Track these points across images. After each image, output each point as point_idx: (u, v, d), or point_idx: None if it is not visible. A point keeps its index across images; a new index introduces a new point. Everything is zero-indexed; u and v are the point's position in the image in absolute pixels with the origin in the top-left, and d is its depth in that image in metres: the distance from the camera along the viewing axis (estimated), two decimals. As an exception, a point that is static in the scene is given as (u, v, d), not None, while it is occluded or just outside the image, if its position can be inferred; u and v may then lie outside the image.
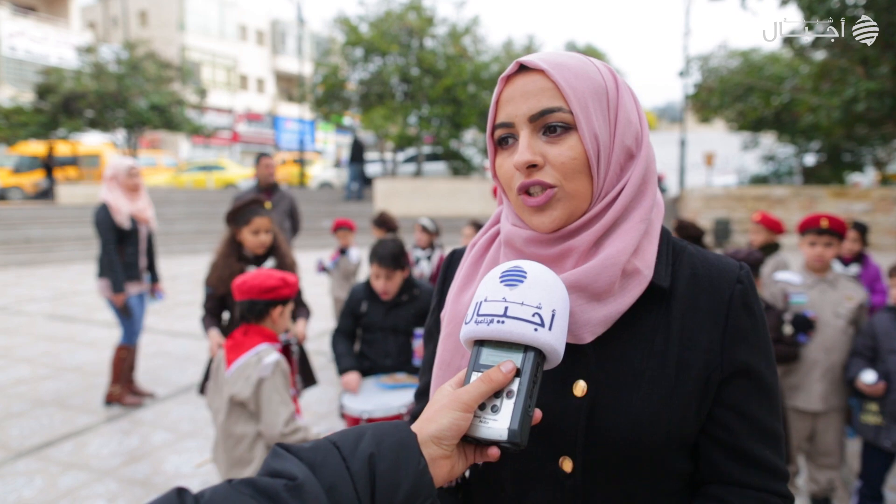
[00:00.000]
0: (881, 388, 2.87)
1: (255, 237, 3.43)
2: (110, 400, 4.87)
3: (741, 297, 0.89)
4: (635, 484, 0.87)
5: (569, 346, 0.86)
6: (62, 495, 3.49)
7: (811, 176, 21.32)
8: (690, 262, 0.93)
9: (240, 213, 3.45)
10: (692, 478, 0.94)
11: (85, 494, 3.49)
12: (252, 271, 2.61)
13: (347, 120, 25.66)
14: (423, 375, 1.10)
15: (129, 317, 4.83)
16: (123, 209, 4.68)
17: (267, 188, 5.96)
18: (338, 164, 23.20)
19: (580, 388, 0.86)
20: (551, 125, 0.85)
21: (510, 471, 0.91)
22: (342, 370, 3.17)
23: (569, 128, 0.85)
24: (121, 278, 4.66)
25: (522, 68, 0.87)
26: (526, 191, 0.87)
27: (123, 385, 4.93)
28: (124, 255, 4.75)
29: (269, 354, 2.48)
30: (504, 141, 0.90)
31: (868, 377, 2.87)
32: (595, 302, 0.84)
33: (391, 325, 3.27)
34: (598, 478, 0.87)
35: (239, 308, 2.57)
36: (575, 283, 0.83)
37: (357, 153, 19.11)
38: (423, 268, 5.45)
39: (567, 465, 0.87)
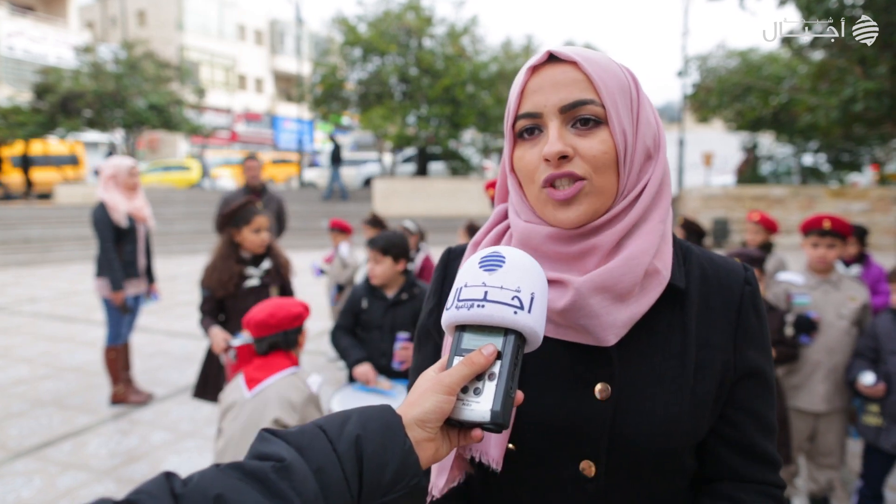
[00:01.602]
0: (881, 390, 2.87)
1: (257, 235, 3.46)
2: (116, 400, 4.88)
3: (751, 298, 0.92)
4: (653, 484, 0.88)
5: (591, 349, 0.86)
6: (61, 495, 3.48)
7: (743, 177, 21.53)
8: (699, 262, 0.94)
9: (240, 213, 3.47)
10: (695, 474, 0.96)
11: (84, 494, 3.48)
12: (264, 305, 2.51)
13: (346, 120, 25.64)
14: (413, 381, 1.05)
15: (125, 314, 4.82)
16: (121, 208, 4.69)
17: (254, 189, 5.95)
18: (312, 165, 23.21)
19: (604, 391, 0.86)
20: (583, 117, 0.84)
21: (530, 475, 0.90)
22: (353, 362, 3.12)
23: (599, 121, 0.84)
24: (119, 276, 4.66)
25: (552, 58, 0.85)
26: (552, 184, 0.85)
27: (125, 383, 4.93)
28: (122, 253, 4.75)
29: (309, 376, 2.39)
30: (528, 131, 0.87)
31: (867, 379, 2.87)
32: (618, 303, 0.84)
33: (389, 323, 3.25)
34: (619, 480, 0.87)
35: (268, 343, 2.45)
36: (600, 284, 0.83)
37: (336, 155, 19.45)
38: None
39: (590, 468, 0.87)
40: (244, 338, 3.21)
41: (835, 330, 3.08)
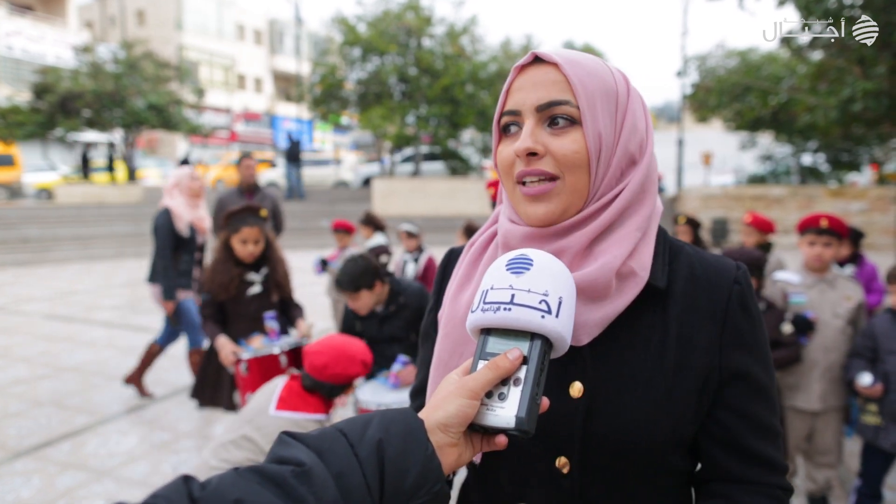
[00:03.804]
0: (878, 391, 2.87)
1: (242, 246, 3.39)
2: (129, 381, 5.00)
3: (739, 298, 0.89)
4: (632, 482, 0.88)
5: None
6: (60, 495, 3.48)
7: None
8: (688, 262, 0.93)
9: (231, 221, 3.42)
10: (694, 475, 0.95)
11: (83, 494, 3.49)
12: (331, 347, 2.51)
13: (345, 119, 25.63)
14: (419, 375, 1.10)
15: (176, 324, 4.80)
16: (185, 216, 4.65)
17: (249, 189, 5.94)
18: (273, 165, 23.25)
19: (577, 389, 0.86)
20: (557, 117, 0.85)
21: (508, 470, 0.91)
22: None
23: (574, 122, 0.85)
24: (172, 285, 4.61)
25: (537, 60, 0.88)
26: (522, 182, 0.87)
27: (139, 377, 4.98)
28: (179, 262, 4.71)
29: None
30: (508, 128, 0.90)
31: (865, 380, 2.87)
32: (591, 304, 0.84)
33: (387, 335, 3.36)
34: (595, 477, 0.87)
35: (313, 384, 2.47)
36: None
37: (293, 154, 19.22)
38: (410, 270, 5.48)
39: (564, 464, 0.87)
40: (254, 350, 3.20)
41: (831, 329, 3.08)
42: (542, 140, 0.85)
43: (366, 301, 3.24)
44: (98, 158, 24.14)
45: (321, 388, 2.47)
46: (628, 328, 0.87)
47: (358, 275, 3.20)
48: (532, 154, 0.85)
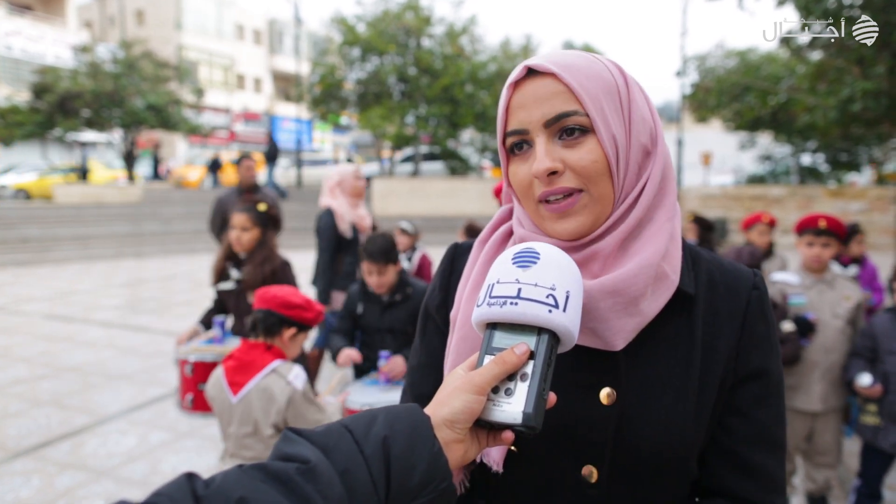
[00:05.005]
0: (878, 391, 2.87)
1: (231, 232, 3.38)
2: None
3: (758, 304, 0.90)
4: (655, 490, 0.86)
5: (597, 353, 0.84)
6: (60, 495, 3.48)
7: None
8: (707, 268, 0.92)
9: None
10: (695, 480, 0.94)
11: (82, 494, 3.49)
12: (282, 286, 2.51)
13: (345, 119, 25.65)
14: (413, 384, 1.02)
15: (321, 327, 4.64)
16: (347, 217, 4.53)
17: (248, 189, 5.95)
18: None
19: (609, 396, 0.84)
20: (568, 128, 0.82)
21: (531, 478, 0.89)
22: (337, 349, 3.15)
23: (586, 130, 0.82)
24: (328, 289, 4.46)
25: (531, 72, 0.83)
26: (545, 200, 0.84)
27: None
28: (342, 264, 4.55)
29: (290, 370, 2.32)
30: (518, 147, 0.86)
31: (864, 380, 2.87)
32: (629, 307, 0.82)
33: (387, 325, 3.29)
34: (622, 486, 0.85)
35: (253, 317, 2.41)
36: (611, 288, 0.81)
37: (272, 155, 19.21)
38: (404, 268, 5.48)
39: (592, 473, 0.85)
40: (198, 349, 3.10)
41: (830, 329, 3.07)
42: (559, 156, 0.82)
43: (390, 277, 3.19)
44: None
45: (257, 316, 2.37)
46: (656, 334, 0.85)
47: (389, 248, 3.16)
48: (552, 173, 0.82)
